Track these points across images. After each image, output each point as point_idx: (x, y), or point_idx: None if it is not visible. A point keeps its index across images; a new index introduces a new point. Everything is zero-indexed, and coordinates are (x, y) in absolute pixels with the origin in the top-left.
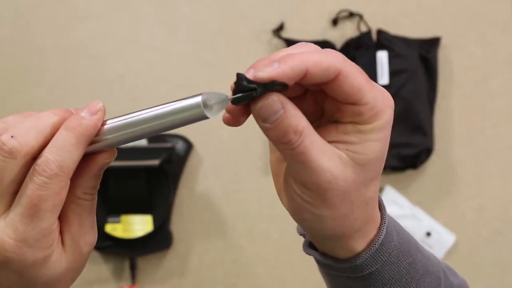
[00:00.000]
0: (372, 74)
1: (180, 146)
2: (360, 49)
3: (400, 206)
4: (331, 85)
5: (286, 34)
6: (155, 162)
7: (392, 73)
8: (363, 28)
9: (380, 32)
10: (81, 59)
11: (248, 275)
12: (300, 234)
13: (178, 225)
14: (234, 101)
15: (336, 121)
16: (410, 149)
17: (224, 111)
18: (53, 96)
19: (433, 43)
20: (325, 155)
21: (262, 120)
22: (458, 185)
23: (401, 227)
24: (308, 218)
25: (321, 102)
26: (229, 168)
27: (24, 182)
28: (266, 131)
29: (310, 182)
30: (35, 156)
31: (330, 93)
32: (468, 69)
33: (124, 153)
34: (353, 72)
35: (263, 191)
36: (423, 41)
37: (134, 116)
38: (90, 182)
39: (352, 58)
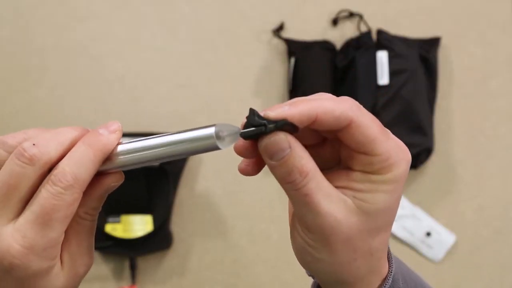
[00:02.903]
0: (372, 74)
1: None
2: (360, 49)
3: (400, 206)
4: (343, 133)
5: (286, 34)
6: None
7: (392, 73)
8: (363, 28)
9: (380, 32)
10: (81, 59)
11: (248, 275)
12: (309, 275)
13: (178, 225)
14: (244, 136)
15: (348, 168)
16: (410, 149)
17: (234, 147)
18: (53, 96)
19: (433, 43)
20: (330, 200)
21: (268, 157)
22: (458, 185)
23: (409, 272)
24: (309, 260)
25: (338, 150)
26: (229, 168)
27: (37, 191)
28: (272, 168)
29: (313, 225)
30: (52, 167)
31: (343, 140)
32: (468, 69)
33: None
34: (366, 122)
35: (263, 192)
36: (423, 41)
37: (147, 140)
38: (93, 203)
39: (352, 58)
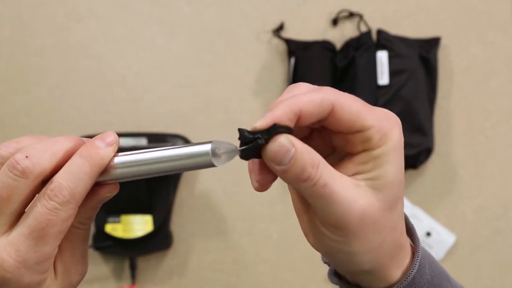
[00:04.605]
0: (372, 74)
1: None
2: (360, 49)
3: None
4: (331, 119)
5: (286, 34)
6: None
7: (392, 73)
8: (363, 28)
9: (380, 32)
10: (81, 59)
11: (248, 275)
12: (325, 263)
13: (178, 225)
14: (243, 155)
15: (349, 154)
16: (410, 149)
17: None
18: (53, 96)
19: (433, 43)
20: (346, 186)
21: (277, 163)
22: (458, 185)
23: (433, 258)
24: (343, 257)
25: (329, 138)
26: (229, 168)
27: (31, 204)
28: (283, 174)
29: (339, 217)
30: (46, 179)
31: (334, 128)
32: (468, 69)
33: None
34: (347, 100)
35: (263, 192)
36: (423, 41)
37: (143, 154)
38: (87, 213)
39: (352, 58)
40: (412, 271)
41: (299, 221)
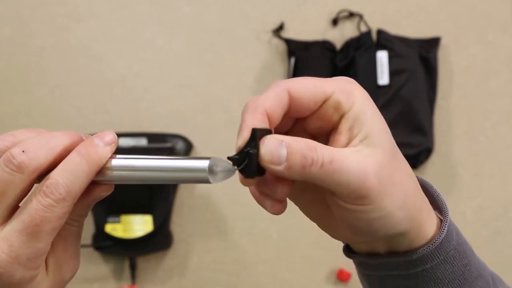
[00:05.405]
0: (372, 74)
1: (180, 146)
2: (360, 49)
3: None
4: (295, 104)
5: (286, 34)
6: None
7: (392, 73)
8: (363, 28)
9: (380, 32)
10: (81, 59)
11: (248, 275)
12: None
13: (178, 225)
14: (246, 175)
15: (332, 132)
16: (410, 149)
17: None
18: (53, 96)
19: (433, 43)
20: (349, 154)
21: (277, 163)
22: (458, 185)
23: (456, 227)
24: (380, 224)
25: (304, 130)
26: None
27: (26, 199)
28: (289, 170)
29: (357, 186)
30: (41, 174)
31: (302, 111)
32: (468, 69)
33: (124, 153)
34: (299, 81)
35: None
36: (423, 41)
37: (140, 160)
38: (81, 211)
39: (352, 58)
40: (440, 235)
41: (322, 226)
